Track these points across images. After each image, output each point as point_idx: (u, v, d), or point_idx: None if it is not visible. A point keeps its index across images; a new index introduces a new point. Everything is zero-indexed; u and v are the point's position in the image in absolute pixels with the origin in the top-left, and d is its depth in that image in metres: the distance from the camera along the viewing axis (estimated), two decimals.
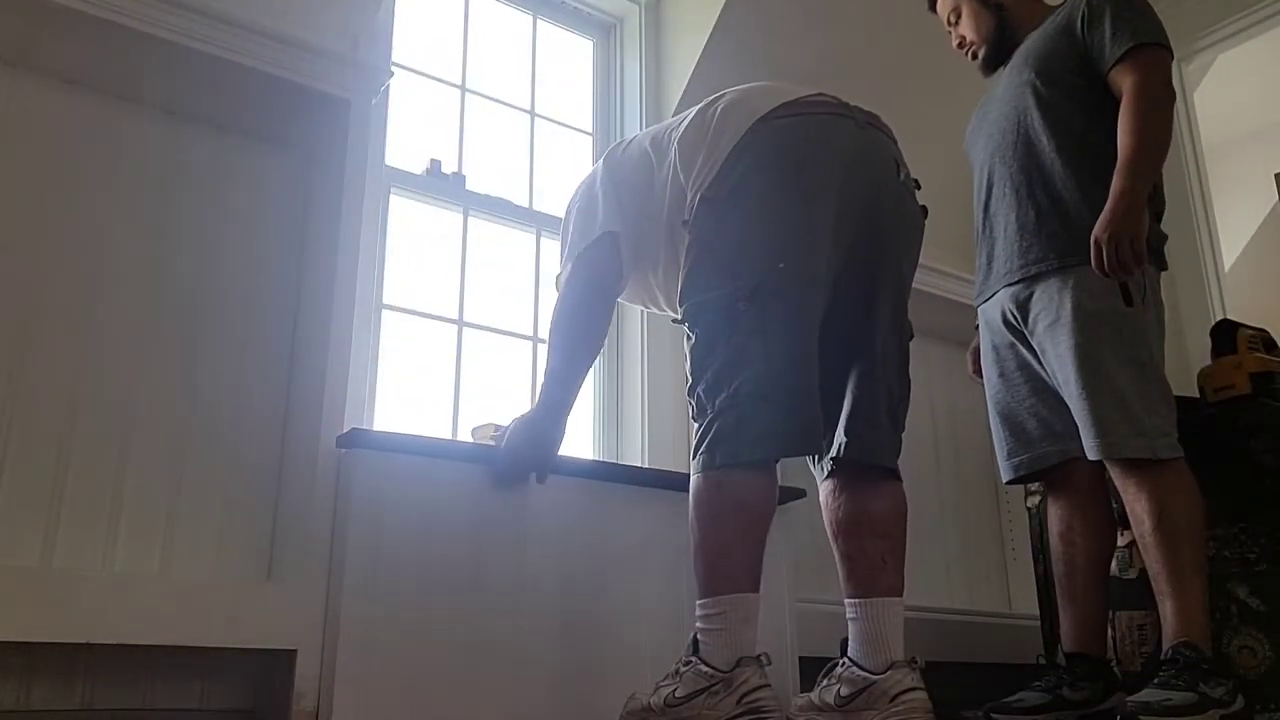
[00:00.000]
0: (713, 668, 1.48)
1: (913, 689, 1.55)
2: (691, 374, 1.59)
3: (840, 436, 1.68)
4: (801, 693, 1.69)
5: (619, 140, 1.95)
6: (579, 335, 1.83)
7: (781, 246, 1.57)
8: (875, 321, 1.69)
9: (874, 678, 1.57)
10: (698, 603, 1.53)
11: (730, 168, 1.61)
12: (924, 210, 1.80)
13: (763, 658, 1.51)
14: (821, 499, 1.75)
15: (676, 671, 1.52)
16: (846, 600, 1.66)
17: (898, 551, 1.67)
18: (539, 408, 1.82)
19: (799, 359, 1.55)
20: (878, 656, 1.59)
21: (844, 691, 1.59)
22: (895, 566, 1.65)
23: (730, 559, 1.52)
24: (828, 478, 1.72)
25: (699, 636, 1.51)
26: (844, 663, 1.63)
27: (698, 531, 1.54)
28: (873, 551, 1.65)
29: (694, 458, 1.57)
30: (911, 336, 1.78)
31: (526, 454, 1.81)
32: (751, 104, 1.68)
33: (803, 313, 1.57)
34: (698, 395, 1.58)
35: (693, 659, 1.50)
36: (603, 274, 1.80)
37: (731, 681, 1.47)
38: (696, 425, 1.59)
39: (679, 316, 1.66)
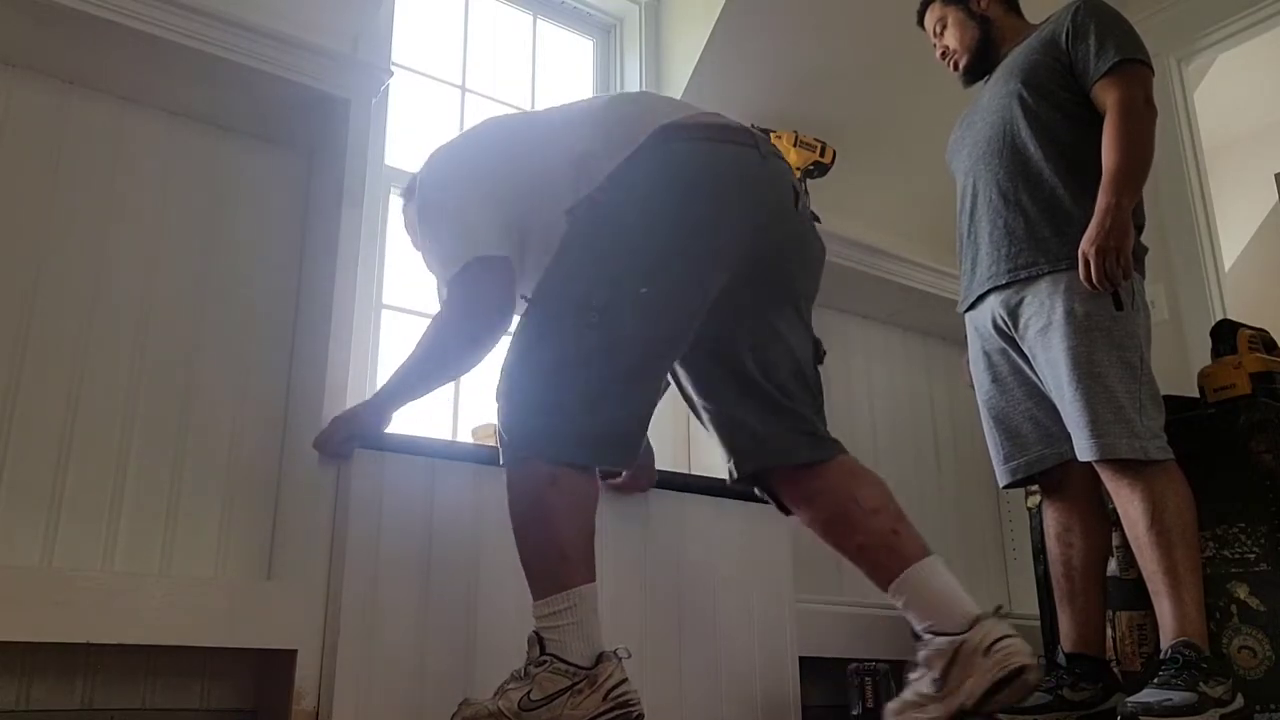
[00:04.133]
0: (573, 665, 1.41)
1: (1006, 636, 1.43)
2: (513, 351, 1.53)
3: (760, 454, 1.64)
4: (891, 700, 1.53)
5: (472, 133, 1.73)
6: (447, 367, 1.66)
7: (654, 272, 1.49)
8: (759, 347, 1.64)
9: (961, 636, 1.44)
10: (541, 601, 1.45)
11: (625, 174, 1.52)
12: (822, 247, 1.74)
13: (620, 651, 1.46)
14: (796, 516, 1.69)
15: (525, 673, 1.44)
16: (888, 592, 1.54)
17: (902, 516, 1.57)
18: (383, 398, 1.67)
19: (633, 379, 1.50)
20: (953, 617, 1.46)
21: (936, 674, 1.45)
22: (908, 530, 1.56)
23: (570, 552, 1.46)
24: (783, 491, 1.67)
25: (546, 635, 1.44)
26: (924, 639, 1.48)
27: (533, 527, 1.47)
28: (880, 529, 1.55)
29: (511, 444, 1.48)
30: (821, 356, 1.72)
31: (351, 430, 1.68)
32: (656, 109, 1.59)
33: (653, 340, 1.51)
34: (515, 377, 1.51)
35: (546, 657, 1.42)
36: (498, 302, 1.58)
37: (595, 678, 1.41)
38: (506, 405, 1.51)
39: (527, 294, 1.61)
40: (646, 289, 1.48)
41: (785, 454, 1.63)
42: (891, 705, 1.52)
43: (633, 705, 1.42)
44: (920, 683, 1.47)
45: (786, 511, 1.70)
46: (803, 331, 1.69)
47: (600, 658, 1.44)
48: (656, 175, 1.52)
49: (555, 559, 1.45)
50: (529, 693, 1.41)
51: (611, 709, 1.41)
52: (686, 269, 1.51)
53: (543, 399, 1.48)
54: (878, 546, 1.55)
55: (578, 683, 1.41)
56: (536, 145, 1.63)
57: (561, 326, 1.49)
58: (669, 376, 1.70)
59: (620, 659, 1.45)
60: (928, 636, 1.48)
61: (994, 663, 1.40)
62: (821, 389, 1.70)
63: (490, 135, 1.70)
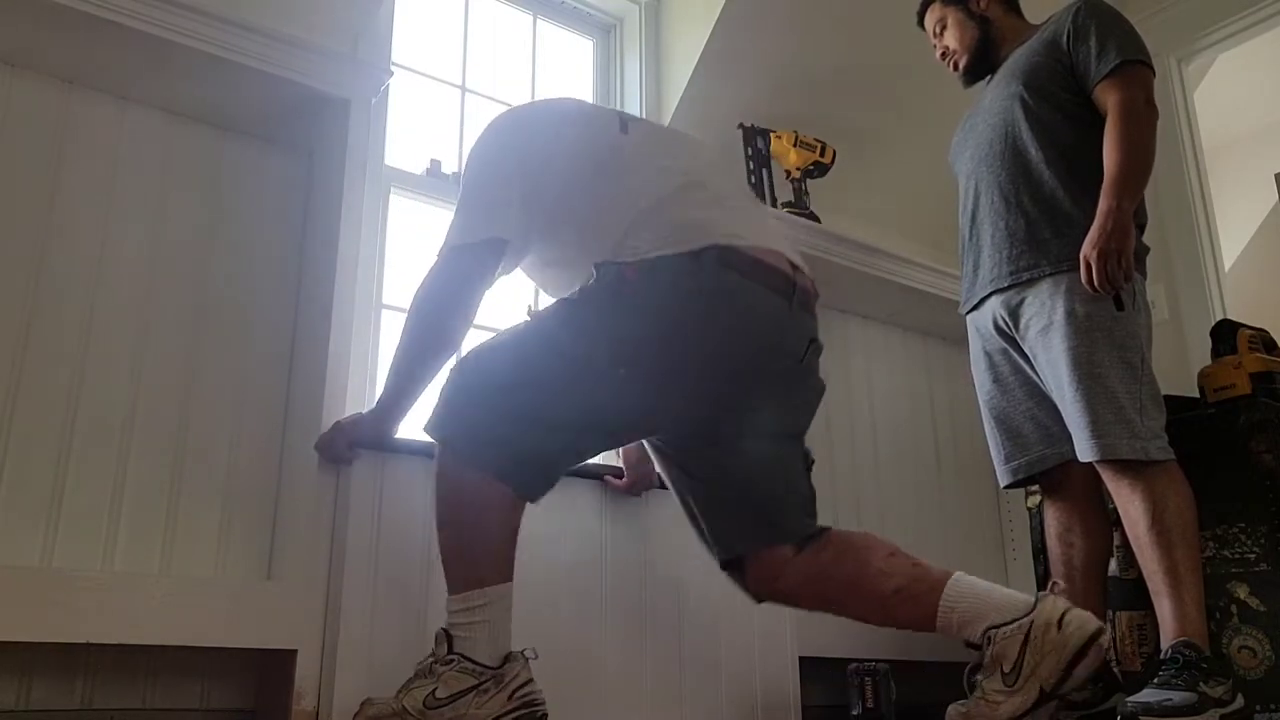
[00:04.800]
0: (480, 664, 1.43)
1: (1071, 608, 1.41)
2: (493, 344, 1.54)
3: (731, 543, 1.61)
4: (954, 703, 1.47)
5: (549, 111, 1.71)
6: (438, 342, 1.64)
7: (644, 369, 1.48)
8: (737, 460, 1.59)
9: (1028, 617, 1.40)
10: (455, 596, 1.46)
11: (667, 268, 1.49)
12: (821, 386, 1.69)
13: (527, 652, 1.47)
14: (792, 600, 1.64)
15: (429, 670, 1.44)
16: (938, 622, 1.48)
17: (908, 558, 1.55)
18: (385, 404, 1.67)
19: (566, 430, 1.50)
20: (1013, 606, 1.43)
21: (1008, 666, 1.39)
22: (923, 561, 1.53)
23: (493, 549, 1.47)
24: (784, 577, 1.59)
25: (455, 633, 1.45)
26: (988, 638, 1.42)
27: (457, 520, 1.47)
28: (905, 568, 1.52)
29: (451, 438, 1.48)
30: (810, 465, 1.67)
31: (354, 438, 1.70)
32: (727, 217, 1.55)
33: (601, 413, 1.51)
34: (479, 379, 1.51)
35: (454, 656, 1.43)
36: (470, 290, 1.60)
37: (502, 678, 1.43)
38: (455, 398, 1.51)
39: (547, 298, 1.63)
40: (625, 372, 1.48)
41: (759, 539, 1.58)
42: (956, 709, 1.45)
43: (537, 705, 1.45)
44: (989, 682, 1.41)
45: (759, 599, 1.65)
46: (788, 450, 1.64)
47: (507, 658, 1.45)
48: (693, 292, 1.49)
49: (477, 555, 1.46)
50: (434, 690, 1.42)
51: (517, 709, 1.43)
52: (673, 385, 1.51)
53: (502, 411, 1.48)
54: (911, 583, 1.51)
55: (484, 682, 1.42)
56: (603, 180, 1.60)
57: (540, 354, 1.50)
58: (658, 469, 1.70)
59: (528, 659, 1.47)
60: (991, 633, 1.42)
61: (1070, 634, 1.37)
62: (815, 496, 1.65)
63: (567, 133, 1.67)
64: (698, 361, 1.51)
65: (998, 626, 1.42)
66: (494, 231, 1.59)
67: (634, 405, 1.53)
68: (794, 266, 1.59)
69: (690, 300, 1.49)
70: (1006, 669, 1.39)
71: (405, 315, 1.64)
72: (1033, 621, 1.39)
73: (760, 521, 1.59)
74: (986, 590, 1.47)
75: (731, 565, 1.64)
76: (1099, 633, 1.39)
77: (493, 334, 1.59)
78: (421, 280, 1.63)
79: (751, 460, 1.59)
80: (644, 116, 2.79)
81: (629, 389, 1.49)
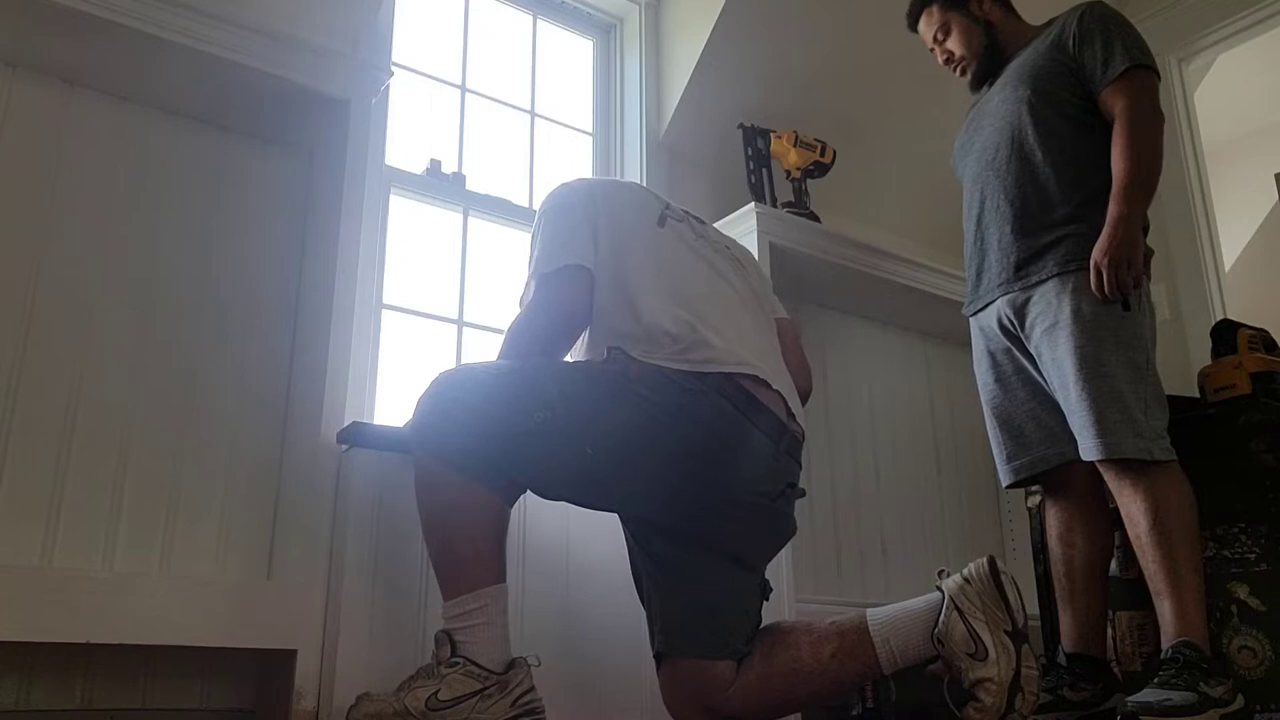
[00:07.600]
0: (485, 669, 1.43)
1: (965, 568, 1.50)
2: (480, 367, 1.55)
3: (662, 640, 1.55)
4: (964, 707, 1.45)
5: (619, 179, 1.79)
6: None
7: (610, 460, 1.47)
8: (705, 573, 1.55)
9: (947, 600, 1.45)
10: (451, 601, 1.46)
11: (668, 381, 1.49)
12: (793, 528, 1.66)
13: (530, 659, 1.48)
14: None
15: (433, 671, 1.44)
16: (881, 661, 1.48)
17: (820, 621, 1.54)
18: None
19: (501, 463, 1.49)
20: (929, 608, 1.47)
21: (969, 647, 1.42)
22: (834, 619, 1.52)
23: (483, 550, 1.47)
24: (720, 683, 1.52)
25: (457, 636, 1.44)
26: (938, 639, 1.44)
27: (445, 523, 1.48)
28: (823, 629, 1.51)
29: (430, 438, 1.49)
30: (768, 594, 1.63)
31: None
32: (742, 348, 1.56)
33: (542, 468, 1.50)
34: (458, 392, 1.50)
35: (458, 659, 1.43)
36: (571, 309, 1.60)
37: (506, 684, 1.44)
38: (432, 409, 1.51)
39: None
40: (592, 451, 1.47)
41: (699, 647, 1.52)
42: (971, 711, 1.42)
43: (539, 714, 1.45)
44: (972, 671, 1.41)
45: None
46: (745, 576, 1.60)
47: (512, 664, 1.46)
48: (684, 409, 1.48)
49: (467, 557, 1.46)
50: (437, 692, 1.41)
51: (519, 715, 1.43)
52: (631, 483, 1.50)
53: (460, 414, 1.48)
54: (840, 639, 1.49)
55: (488, 687, 1.42)
56: (653, 275, 1.61)
57: (519, 396, 1.49)
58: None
59: (530, 666, 1.47)
60: (936, 633, 1.44)
61: (979, 574, 1.45)
62: (760, 624, 1.60)
63: (626, 205, 1.69)
64: (663, 471, 1.49)
65: (934, 625, 1.45)
66: (578, 260, 1.59)
67: (588, 482, 1.52)
68: (789, 413, 1.58)
69: (679, 416, 1.48)
70: (970, 649, 1.41)
71: (511, 324, 1.61)
72: (952, 598, 1.45)
73: (706, 628, 1.53)
74: (898, 611, 1.49)
75: (664, 659, 1.55)
76: (992, 558, 1.48)
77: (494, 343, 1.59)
78: (522, 312, 1.61)
79: (706, 572, 1.55)
80: (644, 116, 2.79)
81: (588, 466, 1.48)
